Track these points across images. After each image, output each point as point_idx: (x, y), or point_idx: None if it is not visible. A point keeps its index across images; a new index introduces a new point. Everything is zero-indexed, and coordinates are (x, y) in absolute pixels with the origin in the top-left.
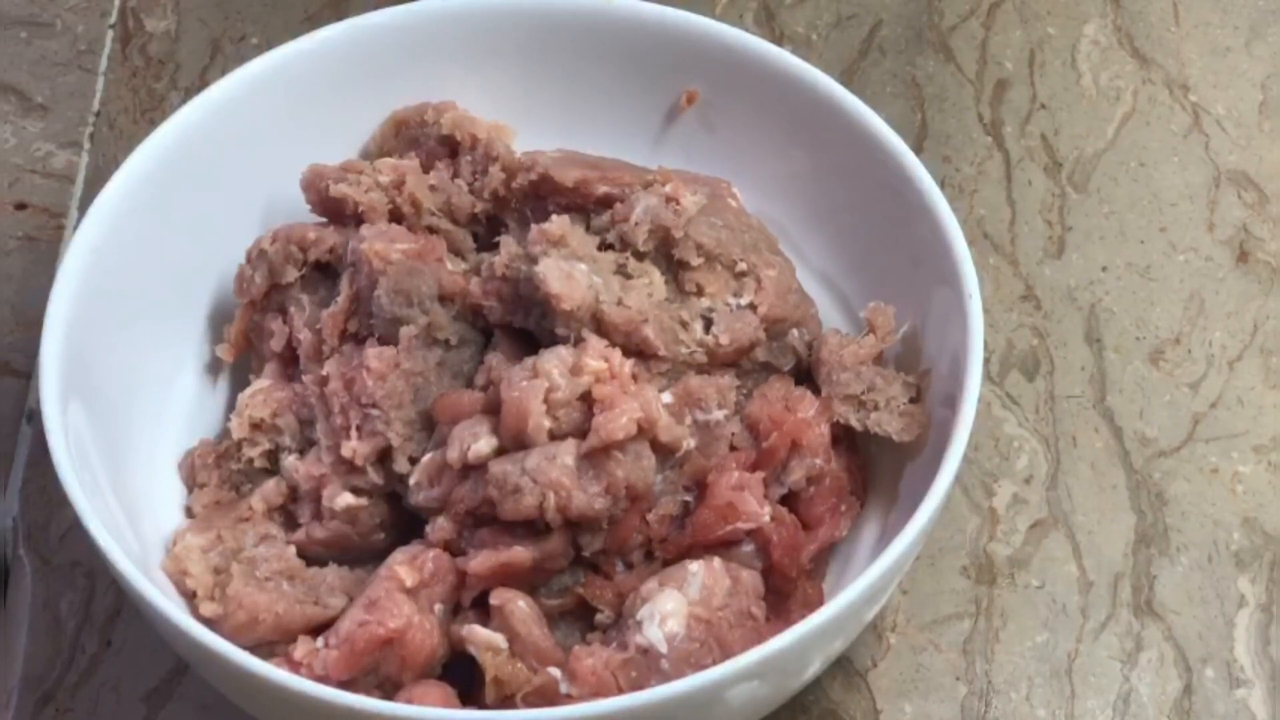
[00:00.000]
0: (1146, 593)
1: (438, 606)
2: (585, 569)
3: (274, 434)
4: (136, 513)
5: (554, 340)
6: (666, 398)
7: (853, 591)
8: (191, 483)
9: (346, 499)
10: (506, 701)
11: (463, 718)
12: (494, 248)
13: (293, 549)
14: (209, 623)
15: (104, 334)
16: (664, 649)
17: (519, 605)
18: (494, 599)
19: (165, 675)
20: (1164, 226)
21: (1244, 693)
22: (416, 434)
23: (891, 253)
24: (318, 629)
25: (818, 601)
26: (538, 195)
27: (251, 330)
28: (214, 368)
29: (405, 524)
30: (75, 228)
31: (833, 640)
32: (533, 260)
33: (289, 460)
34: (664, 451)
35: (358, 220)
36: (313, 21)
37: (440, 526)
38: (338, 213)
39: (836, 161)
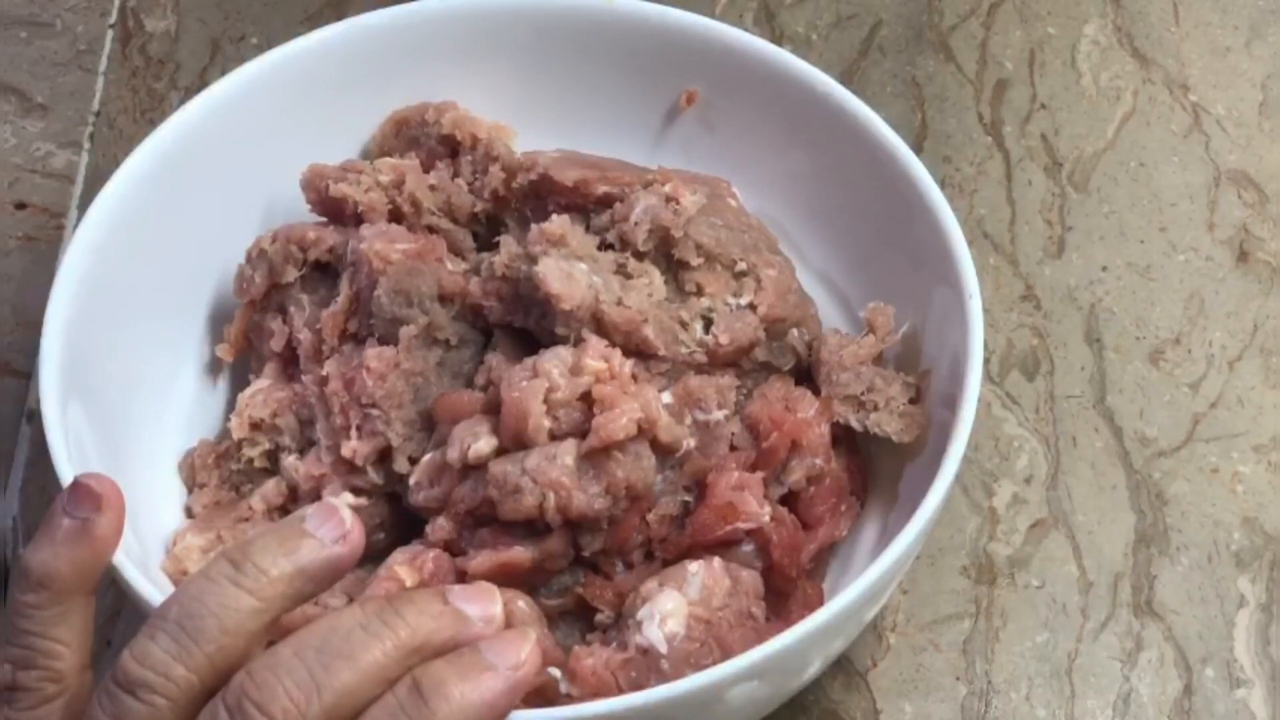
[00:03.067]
0: (1146, 593)
1: None
2: (585, 569)
3: (274, 434)
4: (136, 513)
5: (554, 340)
6: (666, 398)
7: (853, 591)
8: (191, 483)
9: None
10: None
11: None
12: (494, 248)
13: None
14: None
15: (104, 334)
16: (664, 649)
17: (519, 605)
18: None
19: None
20: (1164, 226)
21: (1244, 693)
22: (416, 434)
23: (891, 253)
24: None
25: (818, 601)
26: (538, 195)
27: (251, 330)
28: (214, 368)
29: (405, 524)
30: (75, 228)
31: (833, 640)
32: (533, 260)
33: (289, 460)
34: (664, 451)
35: (358, 220)
36: (313, 21)
37: (440, 526)
38: (338, 212)
39: (836, 161)
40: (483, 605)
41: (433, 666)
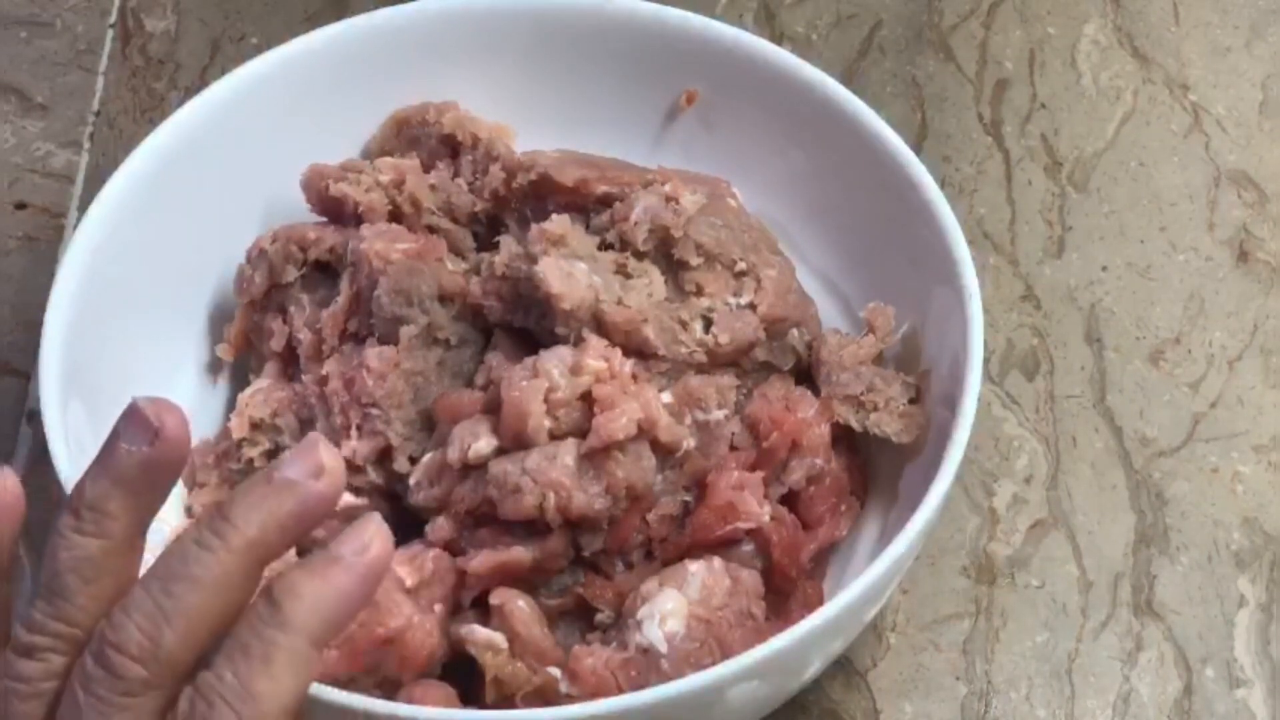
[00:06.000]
0: (1146, 593)
1: (438, 606)
2: (585, 569)
3: (274, 434)
4: None
5: (554, 340)
6: (666, 398)
7: (853, 591)
8: (191, 482)
9: (346, 499)
10: (506, 701)
11: (463, 718)
12: (494, 247)
13: (292, 549)
14: None
15: (104, 334)
16: (664, 649)
17: (519, 605)
18: (494, 599)
19: None
20: (1164, 226)
21: (1244, 693)
22: (416, 434)
23: (891, 253)
24: None
25: (818, 601)
26: (538, 195)
27: (251, 330)
28: (214, 368)
29: (405, 524)
30: (75, 228)
31: (833, 640)
32: (533, 260)
33: None
34: (664, 451)
35: (358, 220)
36: (313, 21)
37: (440, 526)
38: (338, 212)
39: (836, 161)
40: (303, 462)
41: (286, 572)
